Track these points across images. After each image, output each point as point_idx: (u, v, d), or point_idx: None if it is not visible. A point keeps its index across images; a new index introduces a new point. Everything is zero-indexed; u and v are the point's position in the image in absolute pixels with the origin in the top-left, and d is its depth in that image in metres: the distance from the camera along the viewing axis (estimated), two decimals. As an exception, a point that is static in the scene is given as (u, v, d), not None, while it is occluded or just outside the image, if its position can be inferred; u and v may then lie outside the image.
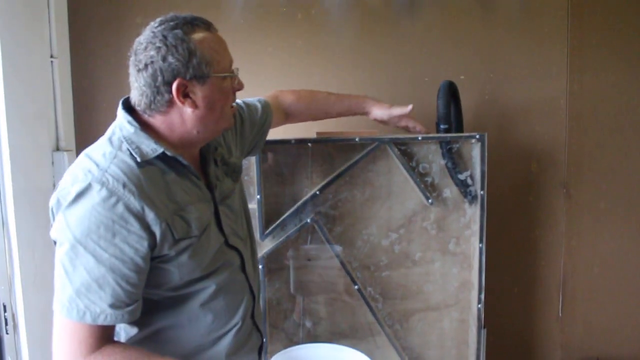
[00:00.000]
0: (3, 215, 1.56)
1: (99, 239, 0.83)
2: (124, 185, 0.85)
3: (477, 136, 1.45)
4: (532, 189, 1.85)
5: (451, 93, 1.54)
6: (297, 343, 1.56)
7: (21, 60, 1.58)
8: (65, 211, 0.84)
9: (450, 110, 1.54)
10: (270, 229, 1.49)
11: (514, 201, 1.85)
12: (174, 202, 0.92)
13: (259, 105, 1.29)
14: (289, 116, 1.41)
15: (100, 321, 0.85)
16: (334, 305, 1.56)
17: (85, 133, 1.82)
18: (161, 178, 0.92)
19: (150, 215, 0.86)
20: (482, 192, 1.48)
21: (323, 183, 1.48)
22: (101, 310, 0.85)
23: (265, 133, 1.32)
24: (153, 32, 0.90)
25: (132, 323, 0.96)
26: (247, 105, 1.27)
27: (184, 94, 0.91)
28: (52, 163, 1.71)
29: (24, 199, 1.57)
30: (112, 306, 0.85)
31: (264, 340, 1.18)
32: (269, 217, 1.51)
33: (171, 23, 0.90)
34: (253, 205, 1.47)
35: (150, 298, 0.94)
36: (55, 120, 1.75)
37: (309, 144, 1.48)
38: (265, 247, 1.50)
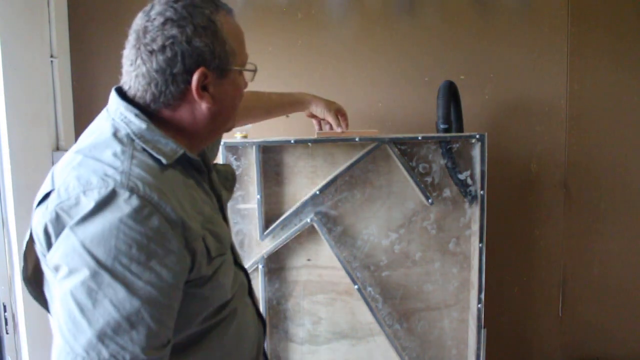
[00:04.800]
0: (3, 215, 1.56)
1: (130, 262, 0.64)
2: (160, 192, 0.67)
3: (477, 136, 1.45)
4: (532, 189, 1.85)
5: (451, 93, 1.54)
6: (297, 343, 1.56)
7: (21, 60, 1.58)
8: (77, 228, 0.65)
9: (450, 110, 1.54)
10: (270, 229, 1.49)
11: (514, 201, 1.85)
12: (200, 214, 0.75)
13: None
14: None
15: None
16: (334, 305, 1.56)
17: (85, 133, 1.82)
18: (184, 185, 0.75)
19: (190, 229, 0.69)
20: (482, 192, 1.48)
21: (323, 183, 1.48)
22: (132, 357, 0.64)
23: None
24: (172, 7, 0.72)
25: None
26: None
27: (203, 87, 0.74)
28: (52, 163, 1.71)
29: (24, 199, 1.57)
30: (145, 350, 0.65)
31: None
32: (269, 217, 1.51)
33: None
34: (253, 205, 1.47)
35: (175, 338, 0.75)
36: (55, 120, 1.75)
37: (309, 144, 1.48)
38: (265, 247, 1.50)
